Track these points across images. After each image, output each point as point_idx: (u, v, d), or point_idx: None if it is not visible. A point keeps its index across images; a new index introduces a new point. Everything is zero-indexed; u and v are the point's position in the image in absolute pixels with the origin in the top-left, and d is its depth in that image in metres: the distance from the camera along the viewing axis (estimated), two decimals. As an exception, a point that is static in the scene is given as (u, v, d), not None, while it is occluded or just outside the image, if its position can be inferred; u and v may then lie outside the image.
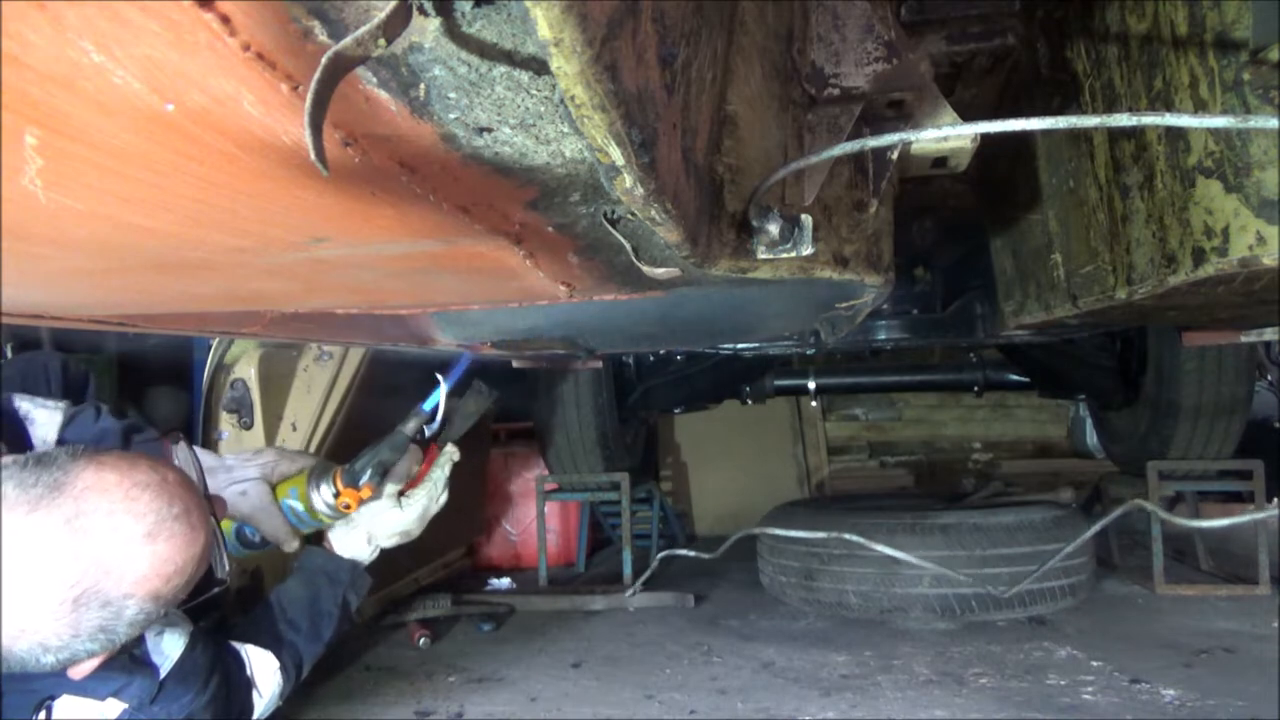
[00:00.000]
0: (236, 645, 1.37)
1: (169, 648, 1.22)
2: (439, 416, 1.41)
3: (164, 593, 1.01)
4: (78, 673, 1.05)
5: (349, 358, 2.87)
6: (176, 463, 1.15)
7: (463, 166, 0.67)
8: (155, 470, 1.03)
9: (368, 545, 1.46)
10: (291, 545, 1.36)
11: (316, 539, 1.48)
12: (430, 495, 1.46)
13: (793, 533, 3.05)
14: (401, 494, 1.45)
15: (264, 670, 1.38)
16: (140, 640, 1.19)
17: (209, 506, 1.11)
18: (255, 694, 1.37)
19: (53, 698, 1.11)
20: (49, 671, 1.01)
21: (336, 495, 1.34)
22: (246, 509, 1.32)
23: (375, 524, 1.44)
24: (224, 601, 1.38)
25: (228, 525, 1.33)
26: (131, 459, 1.04)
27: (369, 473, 1.35)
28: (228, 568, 1.21)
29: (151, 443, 1.35)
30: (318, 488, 1.35)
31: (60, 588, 0.94)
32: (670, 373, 4.09)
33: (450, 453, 1.49)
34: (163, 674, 1.20)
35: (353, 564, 1.46)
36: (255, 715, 1.37)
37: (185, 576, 1.04)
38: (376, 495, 1.39)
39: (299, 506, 1.35)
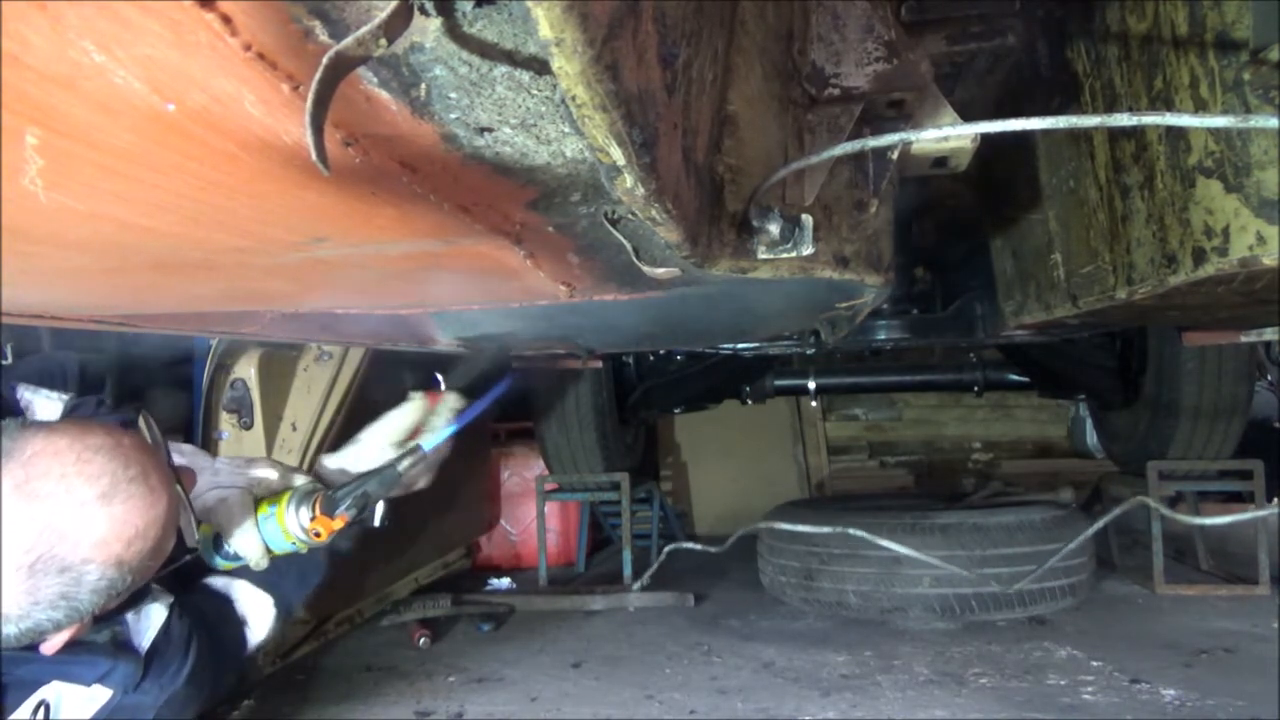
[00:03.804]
0: (222, 582, 1.34)
1: (149, 624, 1.20)
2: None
3: (126, 558, 0.98)
4: (50, 647, 1.03)
5: (349, 358, 2.86)
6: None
7: (463, 166, 0.67)
8: (109, 434, 1.01)
9: None
10: (260, 564, 1.31)
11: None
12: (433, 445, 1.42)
13: (798, 527, 3.05)
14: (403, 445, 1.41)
15: (258, 608, 1.36)
16: (122, 621, 1.17)
17: (173, 475, 1.07)
18: (248, 630, 1.36)
19: (46, 704, 1.11)
20: (15, 646, 0.99)
21: (313, 519, 1.29)
22: (222, 516, 1.28)
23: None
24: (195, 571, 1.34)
25: (207, 530, 1.29)
26: (85, 424, 1.02)
27: (348, 503, 1.30)
28: (197, 535, 1.17)
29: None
30: (297, 509, 1.29)
31: (14, 554, 0.92)
32: (670, 373, 4.09)
33: (450, 400, 1.46)
34: (144, 650, 1.18)
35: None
36: (249, 648, 1.36)
37: (149, 541, 1.00)
38: (353, 517, 1.34)
39: (275, 525, 1.30)
